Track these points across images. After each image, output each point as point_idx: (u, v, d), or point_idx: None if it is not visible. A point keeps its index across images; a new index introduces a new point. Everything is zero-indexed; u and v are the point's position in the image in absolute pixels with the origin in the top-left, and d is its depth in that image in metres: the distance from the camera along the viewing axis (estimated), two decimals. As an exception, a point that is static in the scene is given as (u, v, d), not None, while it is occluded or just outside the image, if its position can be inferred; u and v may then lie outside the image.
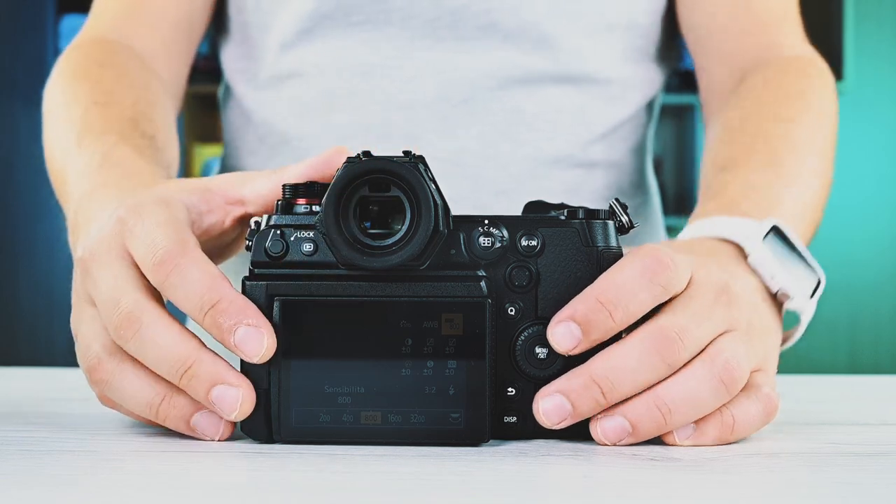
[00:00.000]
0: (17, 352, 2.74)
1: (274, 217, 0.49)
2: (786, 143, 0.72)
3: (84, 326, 0.51)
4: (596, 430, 0.48)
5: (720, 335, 0.49)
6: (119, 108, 0.72)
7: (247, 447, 0.48)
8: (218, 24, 0.91)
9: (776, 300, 0.57)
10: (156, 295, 0.49)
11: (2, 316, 2.78)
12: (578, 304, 0.47)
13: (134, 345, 0.48)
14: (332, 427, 0.47)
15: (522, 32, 0.83)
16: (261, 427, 0.48)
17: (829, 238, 2.76)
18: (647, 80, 0.89)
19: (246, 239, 0.50)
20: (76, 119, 0.71)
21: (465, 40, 0.83)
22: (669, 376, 0.47)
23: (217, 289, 0.47)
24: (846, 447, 0.49)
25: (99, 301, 0.49)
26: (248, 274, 0.48)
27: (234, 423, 0.49)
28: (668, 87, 0.95)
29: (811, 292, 0.58)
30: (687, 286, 0.49)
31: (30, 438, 0.50)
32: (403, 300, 0.47)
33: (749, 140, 0.72)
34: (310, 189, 0.49)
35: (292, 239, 0.48)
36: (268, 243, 0.48)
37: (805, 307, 0.57)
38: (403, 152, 0.48)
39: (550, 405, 0.47)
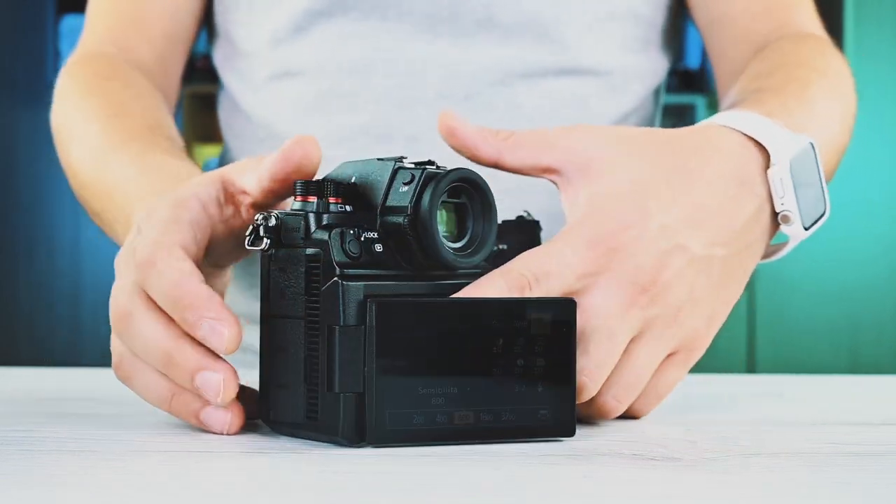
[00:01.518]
0: (17, 352, 2.74)
1: (313, 214, 0.48)
2: (816, 87, 0.71)
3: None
4: None
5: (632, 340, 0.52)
6: (133, 118, 0.75)
7: (247, 447, 0.48)
8: (208, 28, 0.92)
9: (774, 219, 0.56)
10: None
11: (2, 316, 2.78)
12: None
13: (128, 339, 0.50)
14: (425, 428, 0.47)
15: (522, 25, 0.83)
16: (353, 431, 0.47)
17: (830, 238, 2.76)
18: (651, 69, 0.88)
19: (248, 235, 0.49)
20: (97, 133, 0.74)
21: (463, 35, 0.83)
22: None
23: (183, 285, 0.48)
24: (846, 447, 0.49)
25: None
26: (339, 273, 0.47)
27: (244, 416, 0.50)
28: (668, 87, 0.95)
29: (811, 223, 0.57)
30: (612, 267, 0.51)
31: (30, 438, 0.50)
32: (494, 300, 0.48)
33: (782, 80, 0.71)
34: (322, 187, 0.49)
35: (363, 239, 0.48)
36: (347, 244, 0.48)
37: (799, 235, 0.57)
38: (428, 161, 0.49)
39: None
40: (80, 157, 0.76)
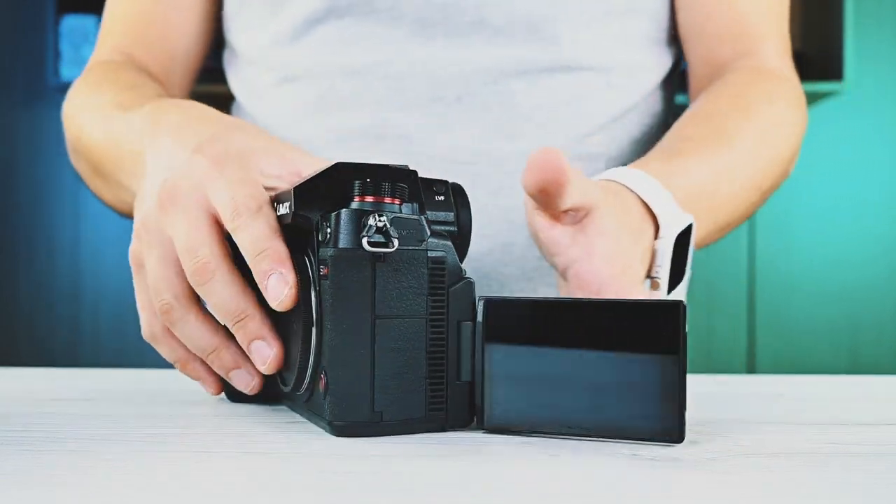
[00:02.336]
0: (17, 352, 2.74)
1: (424, 218, 0.51)
2: (739, 142, 0.78)
3: (154, 267, 0.57)
4: None
5: None
6: (146, 90, 0.78)
7: (247, 447, 0.48)
8: (217, 40, 0.93)
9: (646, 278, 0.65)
10: (226, 247, 0.55)
11: (2, 316, 2.78)
12: None
13: (204, 289, 0.54)
14: (532, 419, 0.50)
15: (514, 25, 0.83)
16: (464, 416, 0.51)
17: (830, 238, 2.76)
18: (654, 65, 0.88)
19: (366, 235, 0.49)
20: (110, 100, 0.77)
21: (456, 37, 0.83)
22: None
23: (269, 239, 0.52)
24: (846, 447, 0.49)
25: (178, 245, 0.55)
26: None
27: (263, 380, 0.57)
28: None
29: (671, 289, 0.65)
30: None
31: (30, 438, 0.50)
32: (597, 301, 0.50)
33: (713, 130, 0.77)
34: (409, 190, 0.51)
35: None
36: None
37: (661, 297, 0.65)
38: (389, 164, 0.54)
39: None
40: (92, 121, 0.77)
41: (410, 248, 0.50)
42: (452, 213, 0.54)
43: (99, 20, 2.54)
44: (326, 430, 0.51)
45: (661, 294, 0.64)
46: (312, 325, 0.51)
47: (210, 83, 1.02)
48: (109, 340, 2.73)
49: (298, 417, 0.56)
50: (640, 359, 0.48)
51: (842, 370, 2.70)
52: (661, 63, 0.89)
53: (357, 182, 0.50)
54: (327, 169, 0.52)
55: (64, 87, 2.51)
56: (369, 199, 0.50)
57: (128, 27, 0.90)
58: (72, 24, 2.55)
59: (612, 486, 0.41)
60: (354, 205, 0.50)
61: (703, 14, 0.87)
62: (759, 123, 0.80)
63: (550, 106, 0.84)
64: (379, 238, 0.49)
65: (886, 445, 0.50)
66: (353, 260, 0.49)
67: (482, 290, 0.83)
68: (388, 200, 0.50)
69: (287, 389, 0.55)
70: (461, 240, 0.54)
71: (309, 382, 0.52)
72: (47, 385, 0.72)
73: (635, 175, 0.65)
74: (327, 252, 0.49)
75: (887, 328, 2.79)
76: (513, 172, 0.83)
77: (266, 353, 0.54)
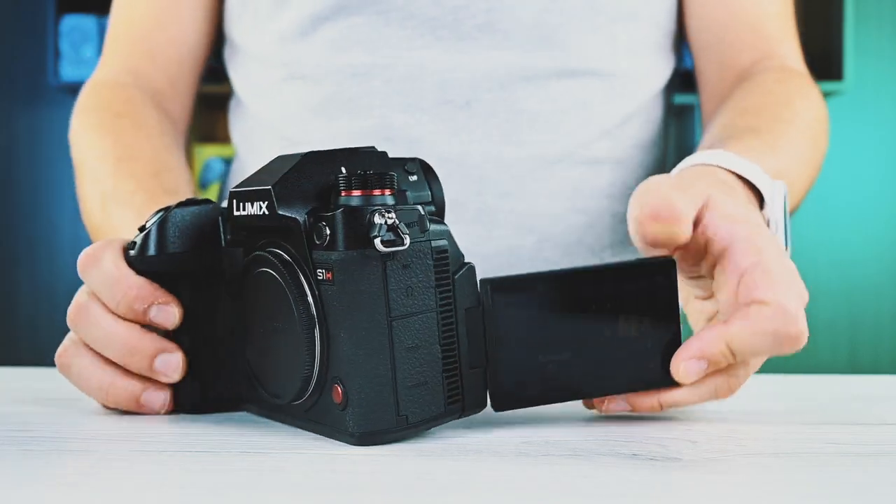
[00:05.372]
0: (17, 352, 2.74)
1: (423, 206, 0.49)
2: (795, 130, 0.78)
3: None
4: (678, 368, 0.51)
5: None
6: (143, 163, 0.80)
7: (247, 447, 0.48)
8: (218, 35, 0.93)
9: None
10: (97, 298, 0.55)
11: (2, 316, 2.78)
12: (711, 347, 0.51)
13: (84, 329, 0.55)
14: (543, 392, 0.51)
15: (522, 30, 0.83)
16: (480, 401, 0.51)
17: (830, 238, 2.76)
18: (656, 71, 0.89)
19: (378, 235, 0.46)
20: (107, 176, 0.80)
21: (464, 40, 0.83)
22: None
23: (123, 280, 0.54)
24: (846, 447, 0.49)
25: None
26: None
27: (175, 396, 0.56)
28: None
29: None
30: (777, 257, 0.53)
31: (30, 438, 0.50)
32: (592, 268, 0.51)
33: (768, 120, 0.77)
34: (394, 179, 0.48)
35: None
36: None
37: None
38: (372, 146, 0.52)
39: (694, 367, 0.51)
40: (92, 196, 0.80)
41: (418, 241, 0.47)
42: (428, 192, 0.52)
43: (99, 20, 2.53)
44: (344, 441, 0.48)
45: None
46: (315, 332, 0.48)
47: (209, 83, 1.01)
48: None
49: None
50: (639, 317, 0.51)
51: (841, 370, 2.70)
52: (663, 69, 0.89)
53: (341, 175, 0.47)
54: (297, 163, 0.48)
55: (64, 88, 2.51)
56: (357, 192, 0.46)
57: (134, 36, 0.90)
58: (72, 24, 2.55)
59: (612, 486, 0.41)
60: (354, 201, 0.46)
61: (717, 24, 0.88)
62: (803, 118, 0.80)
63: (556, 111, 0.84)
64: (390, 236, 0.46)
65: (886, 445, 0.50)
66: (362, 262, 0.46)
67: None
68: (377, 192, 0.47)
69: (280, 401, 0.51)
70: (439, 216, 0.52)
71: (312, 392, 0.49)
72: (47, 385, 0.72)
73: (722, 155, 0.63)
74: (330, 256, 0.46)
75: (887, 328, 2.79)
76: (520, 176, 0.84)
77: (174, 362, 0.54)
